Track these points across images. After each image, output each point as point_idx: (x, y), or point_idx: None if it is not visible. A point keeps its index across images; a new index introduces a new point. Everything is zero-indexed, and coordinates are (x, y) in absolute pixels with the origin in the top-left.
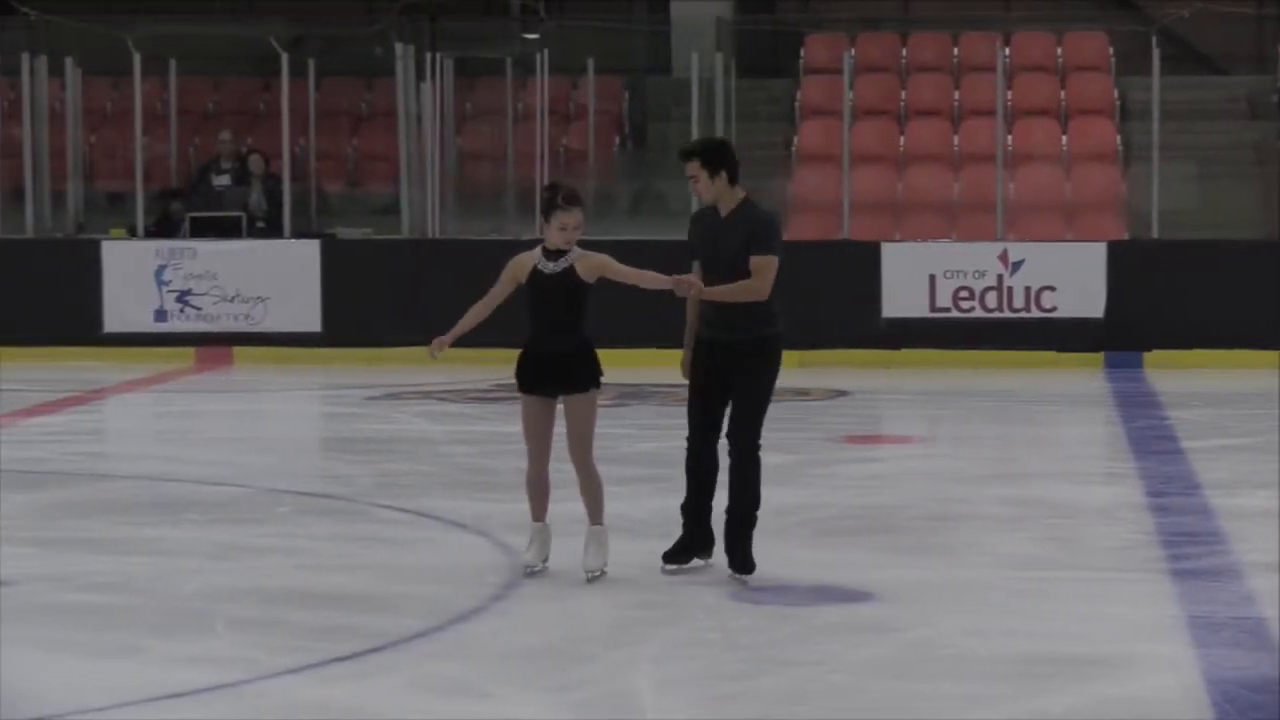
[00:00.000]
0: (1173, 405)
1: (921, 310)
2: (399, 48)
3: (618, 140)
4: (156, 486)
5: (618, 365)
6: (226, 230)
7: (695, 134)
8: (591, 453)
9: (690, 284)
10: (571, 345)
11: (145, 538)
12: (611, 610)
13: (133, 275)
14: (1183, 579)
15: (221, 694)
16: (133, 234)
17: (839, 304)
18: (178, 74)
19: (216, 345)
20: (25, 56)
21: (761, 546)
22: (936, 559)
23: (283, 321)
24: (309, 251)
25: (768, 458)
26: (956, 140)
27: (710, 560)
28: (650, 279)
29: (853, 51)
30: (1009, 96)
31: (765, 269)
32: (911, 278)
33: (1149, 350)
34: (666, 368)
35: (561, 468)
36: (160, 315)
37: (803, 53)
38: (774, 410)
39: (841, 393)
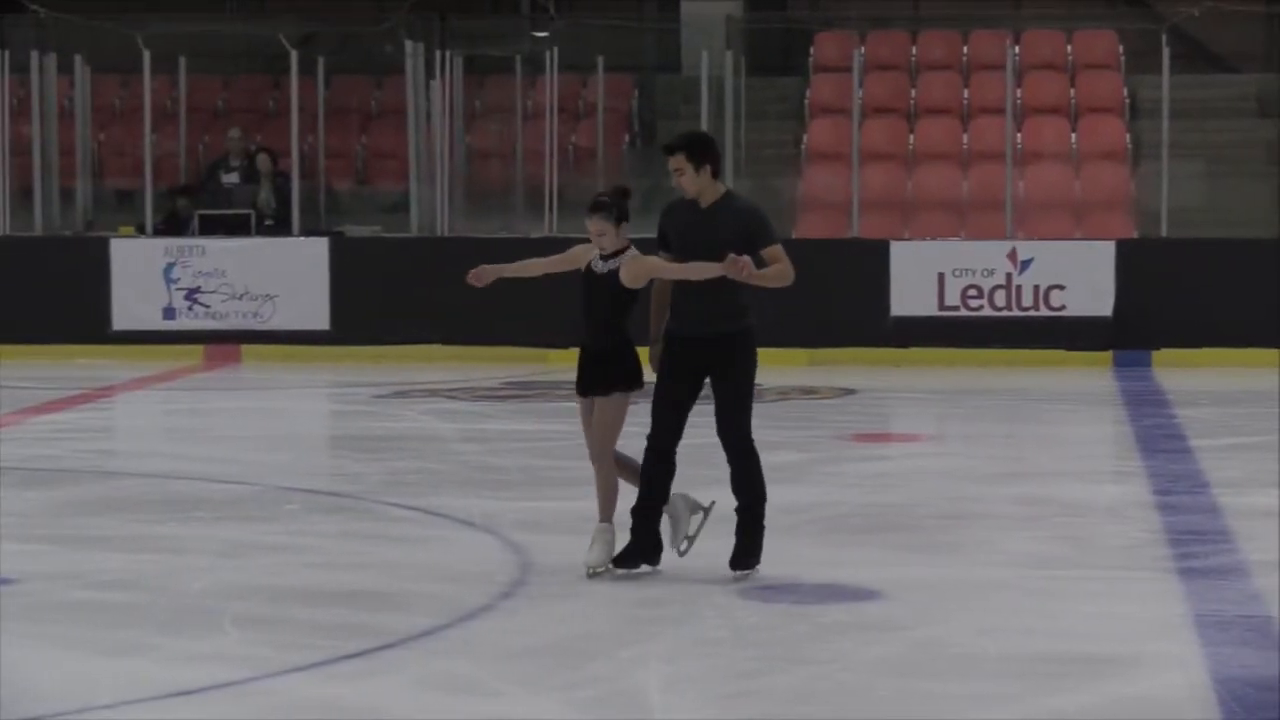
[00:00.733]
0: (1181, 404)
1: (930, 309)
2: (408, 46)
3: (627, 138)
4: (165, 484)
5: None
6: (235, 228)
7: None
8: (608, 452)
9: (744, 265)
10: (606, 346)
11: (154, 535)
12: (620, 608)
13: (141, 273)
14: (1191, 577)
15: (229, 691)
16: (141, 232)
17: (848, 302)
18: (187, 72)
19: (225, 343)
20: (35, 54)
21: (770, 545)
22: (945, 557)
23: (291, 319)
24: (318, 249)
25: (776, 456)
26: (966, 139)
27: (658, 568)
28: (699, 269)
29: (862, 50)
30: (1018, 95)
31: (784, 256)
32: (920, 276)
33: (1158, 349)
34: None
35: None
36: (169, 313)
37: (812, 51)
38: (781, 409)
39: (850, 391)
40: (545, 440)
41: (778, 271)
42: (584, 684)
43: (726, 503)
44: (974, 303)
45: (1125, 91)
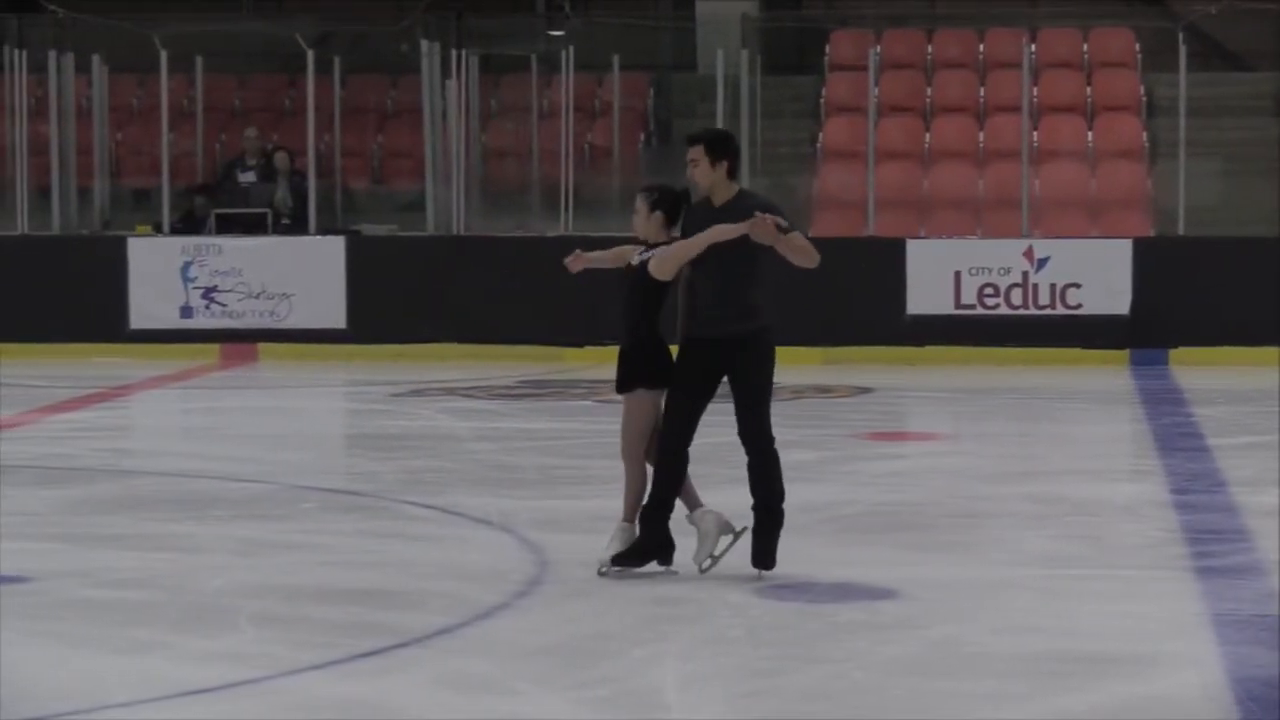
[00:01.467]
0: (1198, 402)
1: (946, 307)
2: (424, 45)
3: (643, 137)
4: (181, 483)
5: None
6: (252, 227)
7: None
8: (633, 451)
9: (769, 223)
10: (628, 343)
11: (169, 534)
12: (635, 607)
13: (158, 272)
14: (1207, 577)
15: (245, 690)
16: (158, 231)
17: (863, 301)
18: (204, 71)
19: (241, 342)
20: (52, 54)
21: (784, 544)
22: (960, 556)
23: (308, 318)
24: (334, 248)
25: (791, 455)
26: (982, 137)
27: (672, 567)
28: (720, 231)
29: (878, 48)
30: (1034, 93)
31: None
32: (936, 274)
33: (1174, 347)
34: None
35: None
36: (185, 312)
37: (828, 49)
38: (797, 407)
39: (865, 390)
40: (561, 439)
41: (804, 243)
42: (599, 682)
43: (744, 501)
44: (990, 301)
45: (1142, 90)
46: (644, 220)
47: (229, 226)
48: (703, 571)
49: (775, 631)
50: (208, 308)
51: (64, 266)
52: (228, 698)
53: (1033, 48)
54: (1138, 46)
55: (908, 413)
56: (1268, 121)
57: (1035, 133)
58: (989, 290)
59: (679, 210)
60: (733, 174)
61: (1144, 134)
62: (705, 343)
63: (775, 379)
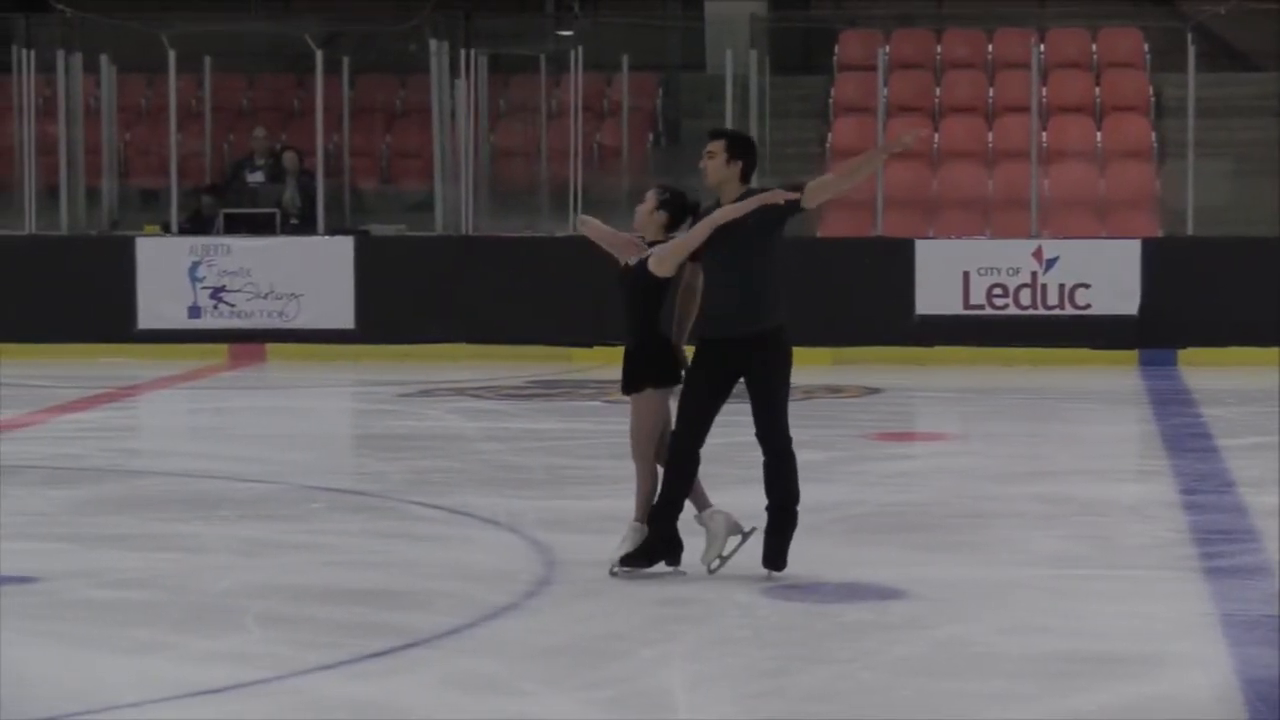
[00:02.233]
0: (1207, 403)
1: (955, 307)
2: (433, 44)
3: (651, 137)
4: (189, 483)
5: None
6: (260, 227)
7: None
8: (644, 452)
9: (775, 194)
10: (637, 342)
11: (177, 534)
12: (643, 607)
13: (166, 272)
14: (1216, 577)
15: (251, 691)
16: (166, 230)
17: (872, 301)
18: (212, 71)
19: (250, 342)
20: (61, 53)
21: (793, 543)
22: (969, 557)
23: (316, 318)
24: (342, 248)
25: (799, 455)
26: (990, 137)
27: (680, 568)
28: (723, 214)
29: (887, 48)
30: (1043, 93)
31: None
32: (945, 274)
33: (1183, 348)
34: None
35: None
36: (194, 312)
37: (837, 49)
38: (806, 407)
39: (874, 390)
40: (569, 439)
41: (835, 178)
42: (607, 683)
43: (753, 502)
44: (999, 301)
45: (1150, 90)
46: (647, 213)
47: (237, 226)
48: (711, 572)
49: (783, 632)
50: (216, 308)
51: (72, 266)
52: (234, 698)
53: (1041, 48)
54: (1146, 47)
55: (916, 413)
56: (1276, 122)
57: (1044, 133)
58: (998, 290)
59: (684, 217)
60: (746, 178)
61: (1152, 134)
62: (719, 343)
63: None
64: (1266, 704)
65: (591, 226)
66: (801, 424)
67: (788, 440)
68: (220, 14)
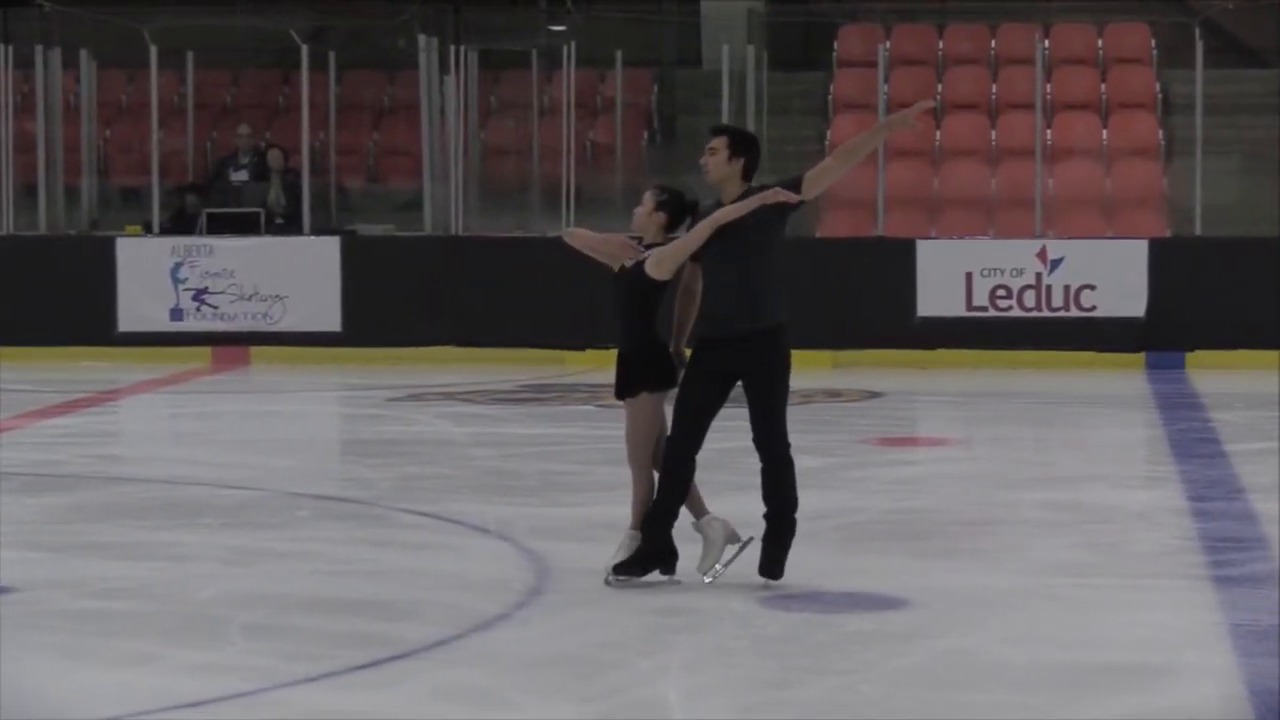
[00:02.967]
0: (1216, 407)
1: (957, 309)
2: (422, 40)
3: (646, 135)
4: (171, 490)
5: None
6: (244, 227)
7: None
8: (641, 458)
9: (775, 192)
10: (631, 346)
11: (159, 542)
12: (638, 617)
13: (148, 273)
14: (1225, 586)
15: (236, 703)
16: (148, 230)
17: (872, 302)
18: (195, 66)
19: (233, 345)
20: (39, 49)
21: (792, 552)
22: (972, 565)
23: (301, 321)
24: (328, 249)
25: (799, 460)
26: (994, 135)
27: (675, 576)
28: (724, 214)
29: (888, 44)
30: (1048, 90)
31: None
32: (947, 276)
33: (1191, 350)
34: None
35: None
36: (176, 314)
37: (836, 45)
38: (805, 412)
39: (875, 394)
40: (562, 445)
41: (834, 161)
42: (602, 695)
43: (750, 509)
44: (1002, 303)
45: (1157, 86)
46: (645, 215)
47: (220, 226)
48: (708, 581)
49: (782, 642)
50: (199, 310)
51: (51, 267)
52: (218, 711)
53: (1046, 43)
54: (1153, 42)
55: (918, 417)
56: None
57: (1049, 130)
58: (1001, 292)
59: (683, 217)
60: (748, 176)
61: (1160, 132)
62: (716, 343)
63: None
64: (1276, 716)
65: (579, 236)
66: (800, 429)
67: (786, 446)
68: (203, 8)
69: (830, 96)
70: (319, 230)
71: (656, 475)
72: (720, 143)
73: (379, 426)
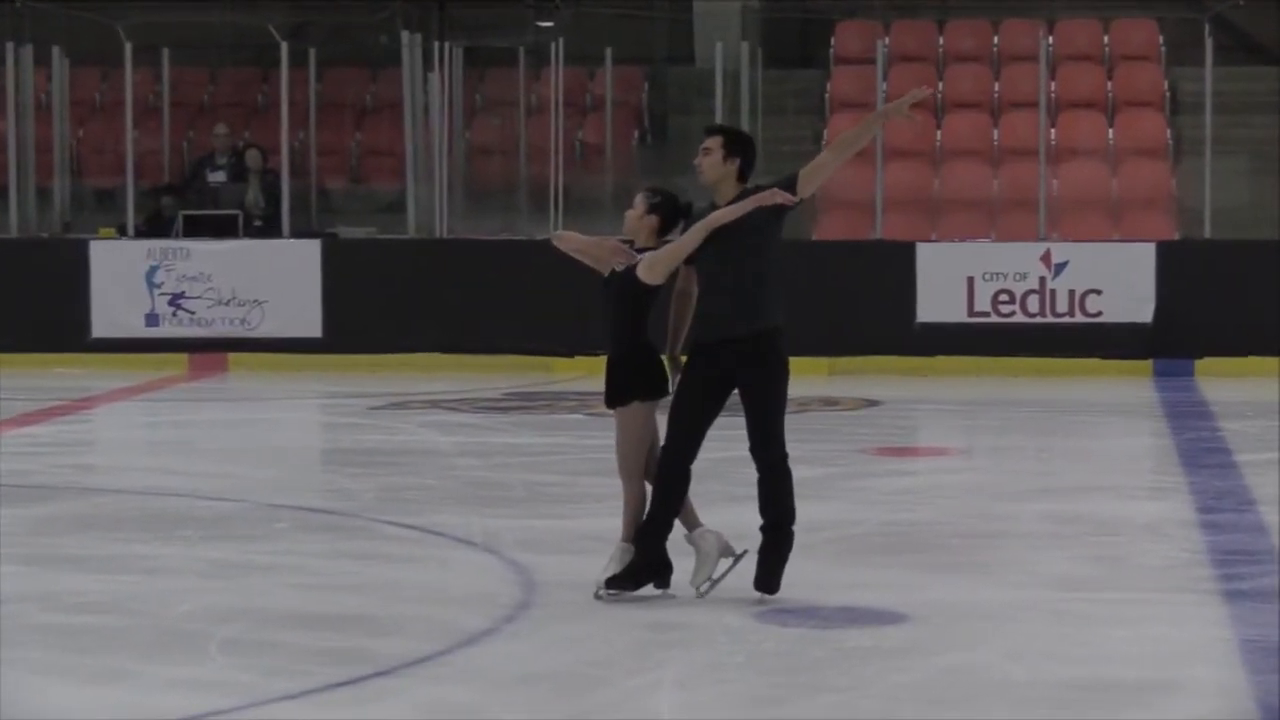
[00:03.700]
0: (1225, 416)
1: (959, 314)
2: (405, 36)
3: (637, 134)
4: (147, 501)
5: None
6: (222, 229)
7: None
8: (632, 468)
9: (773, 194)
10: (622, 353)
11: (135, 555)
12: (630, 632)
13: (122, 277)
14: (1235, 600)
15: None
16: (122, 233)
17: (871, 308)
18: (171, 64)
19: (211, 351)
20: (10, 45)
21: (788, 565)
22: (973, 578)
23: (281, 326)
24: (309, 252)
25: (795, 471)
26: (996, 134)
27: (669, 590)
28: (718, 217)
29: (886, 40)
30: (1052, 88)
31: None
32: (948, 280)
33: (1200, 357)
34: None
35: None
36: (151, 319)
37: (833, 42)
38: (802, 421)
39: (873, 402)
40: (549, 454)
41: (829, 155)
42: (591, 712)
43: (746, 521)
44: (1005, 308)
45: (1165, 85)
46: (637, 218)
47: (197, 229)
48: (701, 595)
49: (778, 658)
50: (175, 315)
51: (22, 271)
52: None
53: (1050, 40)
54: (1161, 39)
55: (918, 426)
56: None
57: (1053, 130)
58: (1004, 297)
59: (676, 221)
60: (744, 176)
61: (1168, 131)
62: (712, 347)
63: None
64: None
65: (567, 239)
66: (797, 438)
67: (783, 455)
68: (179, 3)
69: (827, 95)
70: (299, 233)
71: (649, 486)
72: (715, 143)
73: (361, 435)
